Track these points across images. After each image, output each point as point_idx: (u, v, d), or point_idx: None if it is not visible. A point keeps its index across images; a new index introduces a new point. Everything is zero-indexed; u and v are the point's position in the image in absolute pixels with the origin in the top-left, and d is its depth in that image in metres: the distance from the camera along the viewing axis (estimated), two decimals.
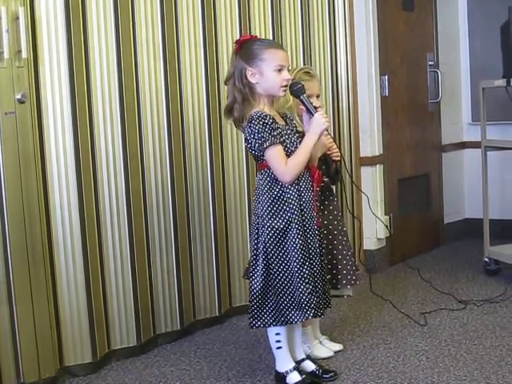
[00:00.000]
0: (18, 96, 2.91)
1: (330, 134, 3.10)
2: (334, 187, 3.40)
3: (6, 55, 2.84)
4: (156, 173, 3.51)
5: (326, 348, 3.34)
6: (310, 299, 2.86)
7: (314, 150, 2.91)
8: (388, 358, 3.27)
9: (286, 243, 2.86)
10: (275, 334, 2.98)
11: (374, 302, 4.06)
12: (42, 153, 3.06)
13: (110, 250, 3.33)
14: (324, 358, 3.27)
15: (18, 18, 2.86)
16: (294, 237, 2.85)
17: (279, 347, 3.00)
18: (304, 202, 2.89)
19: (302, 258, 2.85)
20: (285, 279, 2.87)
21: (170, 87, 3.55)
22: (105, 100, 3.26)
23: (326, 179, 3.23)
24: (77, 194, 3.15)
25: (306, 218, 2.89)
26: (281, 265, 2.87)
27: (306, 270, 2.86)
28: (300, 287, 2.85)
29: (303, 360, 3.11)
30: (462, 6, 5.66)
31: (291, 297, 2.87)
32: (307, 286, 2.86)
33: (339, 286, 3.24)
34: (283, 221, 2.86)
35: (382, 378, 3.06)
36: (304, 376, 2.99)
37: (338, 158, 3.20)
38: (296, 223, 2.86)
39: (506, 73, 4.34)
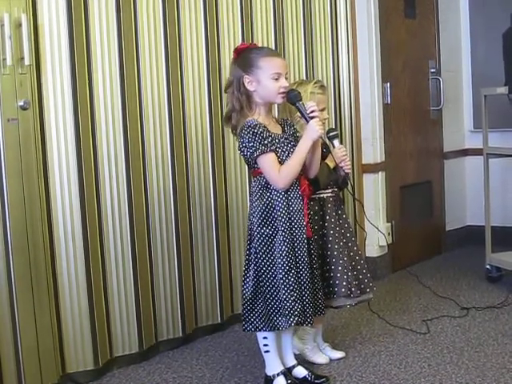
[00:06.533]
0: (21, 103, 2.92)
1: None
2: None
3: (8, 62, 2.84)
4: (158, 182, 3.51)
5: (323, 355, 3.37)
6: (293, 306, 2.87)
7: (307, 160, 2.92)
8: (390, 366, 3.27)
9: (273, 250, 2.88)
10: (263, 338, 3.02)
11: (376, 310, 4.05)
12: (44, 159, 3.06)
13: (112, 257, 3.33)
14: (320, 364, 3.29)
15: (20, 25, 2.87)
16: (280, 244, 2.87)
17: (267, 351, 3.03)
18: (292, 210, 2.89)
19: (287, 265, 2.86)
20: (273, 286, 2.89)
21: (173, 93, 3.56)
22: (107, 106, 3.27)
23: (336, 189, 3.29)
24: (79, 200, 3.15)
25: (294, 226, 2.89)
26: (269, 272, 2.89)
27: (292, 277, 2.87)
28: (284, 294, 2.86)
29: (294, 366, 3.12)
30: (463, 13, 5.67)
31: (278, 303, 2.88)
32: (291, 293, 2.87)
33: (368, 290, 3.29)
34: (272, 228, 2.88)
35: None
36: (290, 381, 3.00)
37: (350, 171, 3.27)
38: (283, 231, 2.87)
39: (507, 80, 4.35)
